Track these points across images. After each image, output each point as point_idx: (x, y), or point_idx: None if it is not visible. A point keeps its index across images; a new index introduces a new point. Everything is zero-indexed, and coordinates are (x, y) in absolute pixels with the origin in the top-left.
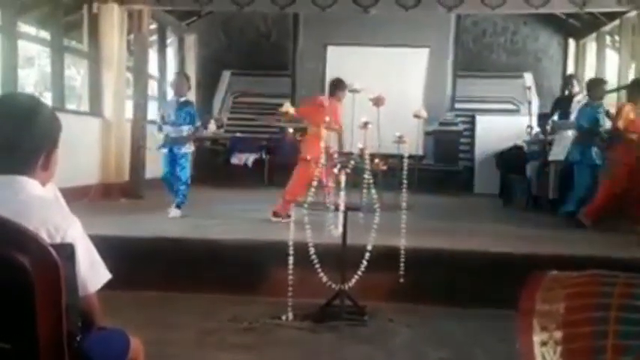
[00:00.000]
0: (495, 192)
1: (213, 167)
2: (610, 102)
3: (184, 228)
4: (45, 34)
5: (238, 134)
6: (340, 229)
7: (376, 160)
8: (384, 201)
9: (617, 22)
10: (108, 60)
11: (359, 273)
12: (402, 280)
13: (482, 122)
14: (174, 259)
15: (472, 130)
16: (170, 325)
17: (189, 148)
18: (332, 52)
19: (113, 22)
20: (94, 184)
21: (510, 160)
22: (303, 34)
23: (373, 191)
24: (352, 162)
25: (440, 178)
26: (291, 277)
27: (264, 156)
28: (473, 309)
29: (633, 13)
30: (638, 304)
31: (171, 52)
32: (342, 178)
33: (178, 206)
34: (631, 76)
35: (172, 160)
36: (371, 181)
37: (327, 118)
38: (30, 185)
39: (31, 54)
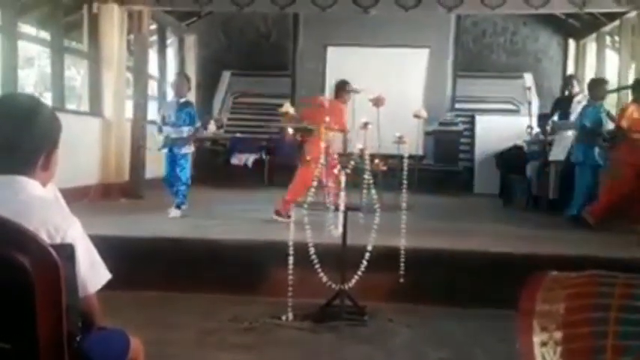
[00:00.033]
0: (495, 192)
1: (213, 167)
2: (610, 102)
3: (184, 228)
4: (45, 35)
5: (238, 134)
6: (340, 229)
7: (376, 161)
8: (384, 201)
9: (617, 22)
10: (108, 60)
11: (359, 273)
12: (402, 280)
13: (482, 122)
14: (174, 259)
15: (472, 130)
16: (170, 325)
17: (189, 149)
18: (332, 52)
19: (113, 22)
20: (94, 184)
21: (510, 160)
22: (303, 34)
23: (373, 191)
24: (352, 162)
25: (440, 178)
26: (291, 277)
27: (264, 156)
28: (473, 309)
29: (633, 14)
30: (638, 305)
31: (171, 53)
32: (342, 179)
33: (178, 206)
34: (631, 76)
35: (172, 160)
36: (371, 181)
37: (327, 119)
38: (30, 185)
39: (31, 54)
